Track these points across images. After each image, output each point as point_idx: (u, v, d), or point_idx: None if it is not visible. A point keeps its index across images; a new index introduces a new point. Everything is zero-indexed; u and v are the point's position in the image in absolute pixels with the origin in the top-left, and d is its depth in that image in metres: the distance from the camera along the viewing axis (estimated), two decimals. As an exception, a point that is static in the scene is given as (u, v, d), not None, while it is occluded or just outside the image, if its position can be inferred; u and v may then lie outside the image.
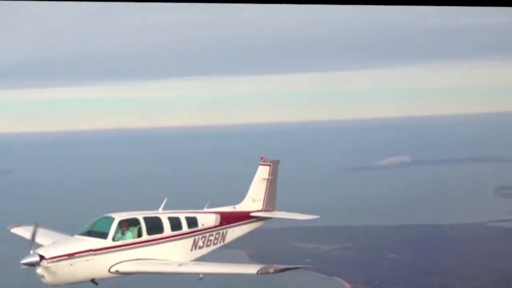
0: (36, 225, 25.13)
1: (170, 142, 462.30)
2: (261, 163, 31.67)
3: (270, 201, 31.33)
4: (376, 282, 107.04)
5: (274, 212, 31.45)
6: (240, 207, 30.74)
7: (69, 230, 27.94)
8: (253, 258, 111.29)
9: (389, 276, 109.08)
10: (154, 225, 26.34)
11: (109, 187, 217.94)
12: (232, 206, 30.70)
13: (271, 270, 22.70)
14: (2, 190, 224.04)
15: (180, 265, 25.11)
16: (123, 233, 25.46)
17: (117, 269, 24.77)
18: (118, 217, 25.64)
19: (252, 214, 30.65)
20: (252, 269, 23.39)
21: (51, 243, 25.35)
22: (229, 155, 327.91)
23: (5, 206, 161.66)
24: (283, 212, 31.91)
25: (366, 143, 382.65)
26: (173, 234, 26.71)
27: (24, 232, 29.34)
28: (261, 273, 22.79)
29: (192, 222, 27.65)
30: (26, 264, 23.54)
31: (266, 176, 31.31)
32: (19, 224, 30.88)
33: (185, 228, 27.26)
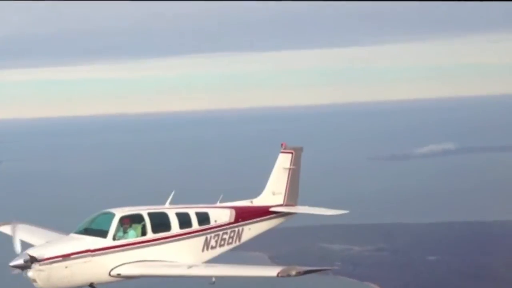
0: (15, 222, 25.23)
1: (176, 129, 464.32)
2: (282, 150, 31.24)
3: (292, 195, 31.02)
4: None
5: (296, 207, 31.14)
6: (258, 202, 30.41)
7: (64, 228, 28.14)
8: (274, 261, 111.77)
9: (429, 281, 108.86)
10: (160, 222, 26.12)
11: (108, 179, 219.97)
12: (249, 200, 30.41)
13: (293, 273, 22.42)
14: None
15: (189, 267, 24.92)
16: (125, 231, 25.31)
17: (118, 272, 24.72)
18: (119, 212, 25.46)
19: (271, 209, 30.37)
20: (271, 271, 23.14)
21: (43, 243, 25.51)
22: (244, 142, 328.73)
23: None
24: (307, 207, 31.57)
25: (402, 127, 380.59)
26: (182, 232, 26.51)
27: (13, 230, 29.58)
28: (281, 276, 22.45)
29: (203, 218, 27.43)
30: (15, 266, 23.53)
31: (288, 166, 30.91)
32: (7, 221, 31.12)
33: (195, 225, 27.03)
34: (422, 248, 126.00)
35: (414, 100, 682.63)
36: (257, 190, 31.43)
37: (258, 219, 29.87)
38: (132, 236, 25.52)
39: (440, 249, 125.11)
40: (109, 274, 24.80)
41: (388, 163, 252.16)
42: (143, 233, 25.72)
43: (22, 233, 28.01)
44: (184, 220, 26.95)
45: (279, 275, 22.62)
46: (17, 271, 23.68)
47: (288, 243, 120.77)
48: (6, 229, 30.41)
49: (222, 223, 28.24)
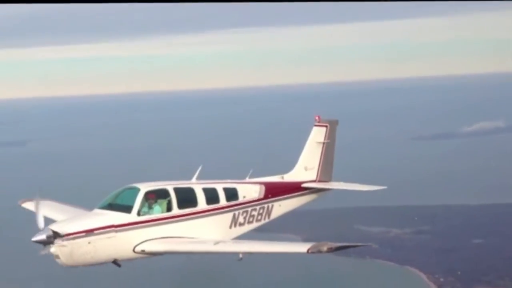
0: (39, 195, 25.59)
1: (207, 106, 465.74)
2: (316, 123, 31.13)
3: (326, 170, 30.92)
4: (459, 273, 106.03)
5: (330, 183, 31.07)
6: (290, 177, 30.49)
7: (90, 205, 28.36)
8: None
9: (473, 265, 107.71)
10: (187, 198, 26.39)
11: (134, 158, 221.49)
12: (279, 176, 30.50)
13: (325, 249, 22.48)
14: (16, 162, 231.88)
15: (216, 243, 25.20)
16: (150, 207, 25.66)
17: (143, 248, 25.06)
18: (144, 187, 25.75)
19: (304, 185, 30.41)
20: (301, 247, 23.26)
21: (66, 218, 25.87)
22: (276, 119, 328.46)
23: (20, 181, 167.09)
24: (341, 183, 31.46)
25: (448, 105, 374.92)
26: (209, 208, 26.78)
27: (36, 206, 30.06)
28: (312, 252, 22.60)
29: (231, 194, 27.66)
30: (38, 242, 23.94)
31: (322, 140, 30.79)
32: (31, 198, 31.62)
33: (223, 201, 27.30)
34: (467, 231, 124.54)
35: (462, 76, 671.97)
36: (289, 165, 31.30)
37: (289, 195, 29.87)
38: (157, 211, 25.82)
39: (487, 232, 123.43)
40: (133, 251, 25.13)
41: (433, 142, 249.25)
42: (169, 208, 25.99)
43: (46, 209, 28.42)
44: (211, 196, 27.14)
45: (310, 251, 22.67)
46: (46, 251, 24.00)
47: (323, 225, 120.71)
48: (30, 206, 31.00)
49: (251, 199, 28.33)
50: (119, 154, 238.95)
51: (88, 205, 28.36)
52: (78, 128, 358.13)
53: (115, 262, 25.22)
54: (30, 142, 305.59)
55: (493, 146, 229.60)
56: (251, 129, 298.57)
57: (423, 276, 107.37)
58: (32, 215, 28.98)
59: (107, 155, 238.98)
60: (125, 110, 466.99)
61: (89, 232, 24.31)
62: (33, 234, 24.41)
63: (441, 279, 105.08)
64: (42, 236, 24.00)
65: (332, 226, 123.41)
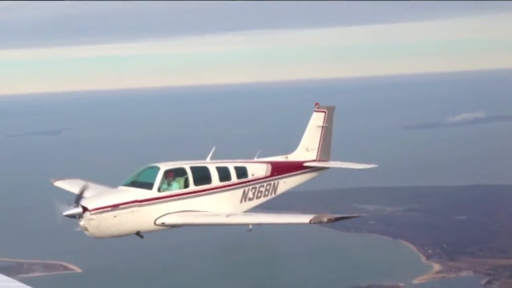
0: (86, 185, 25.27)
1: (220, 100, 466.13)
2: (315, 109, 30.84)
3: (325, 151, 30.64)
4: (445, 245, 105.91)
5: (329, 162, 30.77)
6: (293, 157, 30.15)
7: (114, 184, 28.15)
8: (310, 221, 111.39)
9: (458, 238, 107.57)
10: (202, 175, 26.04)
11: (155, 145, 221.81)
12: (284, 156, 30.20)
13: (325, 219, 22.37)
14: (53, 148, 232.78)
15: (228, 216, 24.99)
16: (169, 184, 25.31)
17: (163, 221, 24.76)
18: (163, 166, 25.44)
19: (305, 164, 30.09)
20: (304, 218, 23.06)
21: (94, 195, 25.66)
22: (280, 111, 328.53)
23: (55, 164, 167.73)
24: (338, 162, 31.14)
25: (434, 98, 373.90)
26: (222, 185, 26.45)
27: (66, 185, 29.92)
28: (314, 223, 22.46)
29: (241, 172, 27.30)
30: (69, 216, 23.70)
31: (321, 124, 30.46)
32: (61, 177, 31.43)
33: (234, 178, 26.92)
34: (451, 209, 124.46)
35: (446, 73, 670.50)
36: (292, 147, 31.10)
37: (292, 173, 29.58)
38: (176, 188, 25.47)
39: (469, 209, 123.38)
40: (154, 223, 24.84)
41: (421, 131, 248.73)
42: (186, 185, 25.62)
43: (77, 187, 28.19)
44: (224, 174, 26.78)
45: (312, 221, 22.46)
46: (77, 225, 23.83)
47: (325, 205, 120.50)
48: (61, 184, 30.83)
49: (259, 177, 28.03)
50: (142, 141, 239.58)
51: (113, 183, 28.13)
52: (107, 118, 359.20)
53: (138, 234, 24.97)
54: (65, 130, 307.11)
55: (474, 134, 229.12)
56: (259, 117, 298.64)
57: (413, 248, 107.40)
58: (63, 194, 28.86)
59: (131, 142, 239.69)
60: (149, 103, 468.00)
61: (115, 206, 24.06)
62: (65, 210, 24.20)
63: (429, 251, 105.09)
64: (72, 211, 23.80)
65: (332, 205, 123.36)
